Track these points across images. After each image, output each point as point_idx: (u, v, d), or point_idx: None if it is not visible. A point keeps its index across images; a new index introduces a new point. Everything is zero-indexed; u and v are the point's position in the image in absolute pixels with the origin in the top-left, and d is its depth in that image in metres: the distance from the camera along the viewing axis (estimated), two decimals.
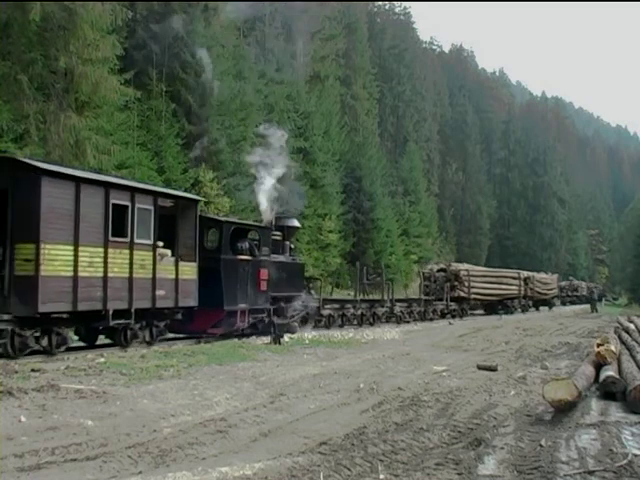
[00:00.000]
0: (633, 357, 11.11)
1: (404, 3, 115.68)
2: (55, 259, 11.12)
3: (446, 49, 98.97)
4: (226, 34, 32.49)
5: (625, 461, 5.78)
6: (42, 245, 10.87)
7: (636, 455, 6.02)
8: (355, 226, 42.07)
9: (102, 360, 11.08)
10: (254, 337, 16.47)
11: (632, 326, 16.02)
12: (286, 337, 16.08)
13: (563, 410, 7.85)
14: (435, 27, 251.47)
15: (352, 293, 34.42)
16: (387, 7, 75.02)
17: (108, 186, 12.44)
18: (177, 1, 27.19)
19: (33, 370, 9.57)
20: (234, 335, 16.21)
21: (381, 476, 5.35)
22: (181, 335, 15.56)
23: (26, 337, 11.03)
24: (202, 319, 15.18)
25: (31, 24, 17.46)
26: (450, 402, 8.67)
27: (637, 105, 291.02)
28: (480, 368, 12.07)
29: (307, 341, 16.45)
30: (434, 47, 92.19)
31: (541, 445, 6.35)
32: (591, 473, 5.50)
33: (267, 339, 15.66)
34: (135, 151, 23.46)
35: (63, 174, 11.70)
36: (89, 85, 19.11)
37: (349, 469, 5.48)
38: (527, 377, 10.93)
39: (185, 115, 27.56)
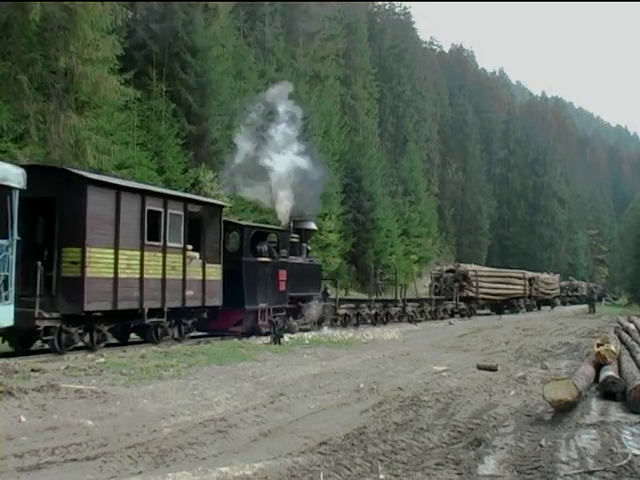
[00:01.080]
0: (633, 357, 11.11)
1: (404, 3, 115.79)
2: (98, 262, 12.03)
3: (446, 49, 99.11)
4: (226, 34, 32.51)
5: (625, 461, 5.78)
6: (87, 249, 11.76)
7: (636, 455, 6.02)
8: (355, 226, 42.05)
9: (102, 360, 11.07)
10: (254, 337, 16.48)
11: (632, 326, 16.02)
12: (286, 337, 16.09)
13: (563, 410, 7.85)
14: (435, 27, 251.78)
15: (353, 294, 34.74)
16: (387, 7, 75.12)
17: (144, 193, 13.40)
18: (177, 1, 27.22)
19: (33, 370, 9.55)
20: (259, 333, 16.79)
21: (381, 476, 5.34)
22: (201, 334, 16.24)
23: (72, 334, 11.85)
24: (225, 318, 16.07)
25: (31, 24, 17.47)
26: (450, 402, 8.67)
27: (637, 105, 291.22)
28: (480, 368, 12.07)
29: (307, 341, 16.44)
30: (434, 47, 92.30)
31: (541, 445, 6.35)
32: (591, 473, 5.50)
33: (267, 339, 15.67)
34: (135, 151, 23.47)
35: (106, 183, 12.69)
36: (89, 85, 19.12)
37: (349, 469, 5.47)
38: (527, 377, 10.93)
39: (185, 115, 27.58)
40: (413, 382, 10.34)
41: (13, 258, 10.10)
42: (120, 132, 22.78)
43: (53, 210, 12.00)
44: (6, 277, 9.94)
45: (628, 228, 78.87)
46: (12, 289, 10.03)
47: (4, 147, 16.98)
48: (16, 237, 10.14)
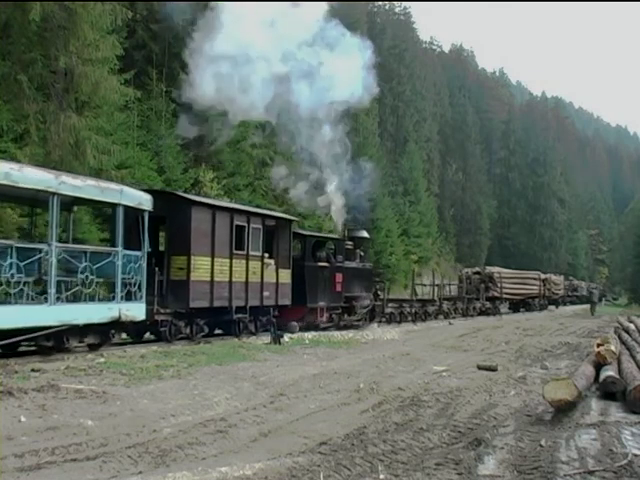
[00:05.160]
0: (633, 357, 11.12)
1: (404, 3, 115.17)
2: (200, 267, 14.52)
3: (446, 49, 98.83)
4: None
5: (625, 461, 5.79)
6: (192, 257, 14.25)
7: (636, 455, 6.02)
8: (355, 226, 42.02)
9: (102, 360, 11.07)
10: (254, 337, 16.50)
11: (632, 326, 16.04)
12: (286, 337, 16.10)
13: (563, 410, 7.85)
14: (435, 27, 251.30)
15: None
16: (387, 7, 74.97)
17: (232, 211, 16.13)
18: (177, 1, 27.17)
19: (33, 370, 9.55)
20: (317, 328, 19.11)
21: (381, 476, 5.35)
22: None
23: (179, 326, 14.36)
24: (288, 314, 18.27)
25: (31, 24, 17.42)
26: (450, 402, 8.67)
27: (637, 105, 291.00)
28: (480, 368, 12.08)
29: (307, 341, 16.45)
30: (434, 47, 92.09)
31: (541, 445, 6.35)
32: (591, 473, 5.50)
33: (267, 339, 15.67)
34: (135, 151, 23.43)
35: (205, 203, 15.51)
36: (89, 85, 19.05)
37: (349, 469, 5.48)
38: (527, 377, 10.94)
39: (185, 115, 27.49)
40: (413, 382, 10.34)
41: (145, 266, 12.57)
42: (120, 132, 22.73)
43: (159, 225, 15.00)
44: (140, 281, 12.41)
45: (628, 228, 78.89)
46: (144, 290, 12.53)
47: (4, 147, 16.94)
48: (147, 249, 12.57)
